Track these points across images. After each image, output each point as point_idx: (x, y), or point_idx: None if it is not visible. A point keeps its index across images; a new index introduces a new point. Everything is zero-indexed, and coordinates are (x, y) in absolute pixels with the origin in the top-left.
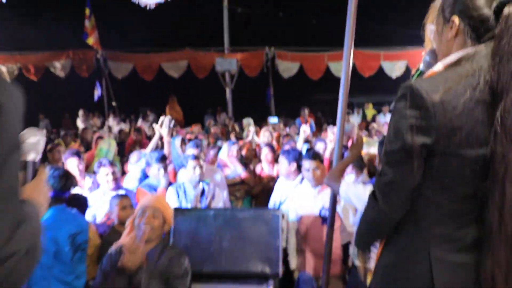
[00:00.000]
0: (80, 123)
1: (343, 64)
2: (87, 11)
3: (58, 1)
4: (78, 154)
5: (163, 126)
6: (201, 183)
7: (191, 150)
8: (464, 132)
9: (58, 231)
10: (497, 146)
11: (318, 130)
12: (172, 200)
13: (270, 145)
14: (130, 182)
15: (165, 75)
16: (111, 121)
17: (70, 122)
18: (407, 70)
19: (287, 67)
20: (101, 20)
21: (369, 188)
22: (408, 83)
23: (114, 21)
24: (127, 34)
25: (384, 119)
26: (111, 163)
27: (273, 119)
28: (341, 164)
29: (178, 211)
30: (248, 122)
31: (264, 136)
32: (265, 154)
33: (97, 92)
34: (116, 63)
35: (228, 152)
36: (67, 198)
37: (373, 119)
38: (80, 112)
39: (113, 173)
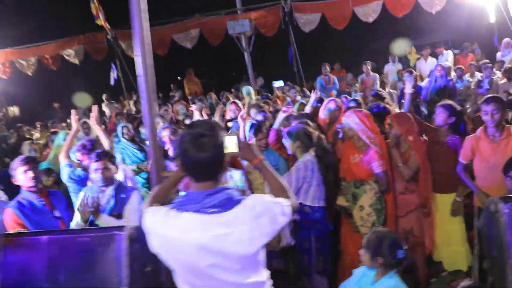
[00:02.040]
0: (105, 108)
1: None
2: None
3: None
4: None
5: (91, 118)
6: (110, 187)
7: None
8: None
9: None
10: None
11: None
12: None
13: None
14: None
15: (179, 47)
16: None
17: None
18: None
19: (308, 20)
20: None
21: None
22: None
23: None
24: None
25: (425, 65)
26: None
27: (278, 83)
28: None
29: (7, 238)
30: (247, 90)
31: (230, 111)
32: None
33: (113, 75)
34: (128, 42)
35: None
36: None
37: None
38: (104, 97)
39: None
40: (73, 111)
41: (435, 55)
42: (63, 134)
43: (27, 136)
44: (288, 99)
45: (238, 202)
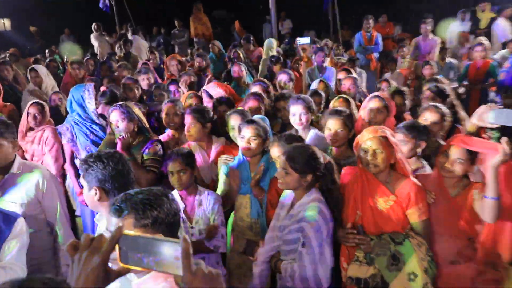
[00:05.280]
0: (93, 40)
1: None
2: None
3: None
4: None
5: None
6: None
7: None
8: None
9: None
10: None
11: None
12: None
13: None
14: None
15: None
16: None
17: None
18: None
19: None
20: None
21: None
22: None
23: None
24: None
25: (501, 27)
26: None
27: (304, 39)
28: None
29: None
30: (270, 45)
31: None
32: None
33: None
34: None
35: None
36: None
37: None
38: (94, 26)
39: None
40: None
41: None
42: None
43: None
44: (314, 63)
45: None
